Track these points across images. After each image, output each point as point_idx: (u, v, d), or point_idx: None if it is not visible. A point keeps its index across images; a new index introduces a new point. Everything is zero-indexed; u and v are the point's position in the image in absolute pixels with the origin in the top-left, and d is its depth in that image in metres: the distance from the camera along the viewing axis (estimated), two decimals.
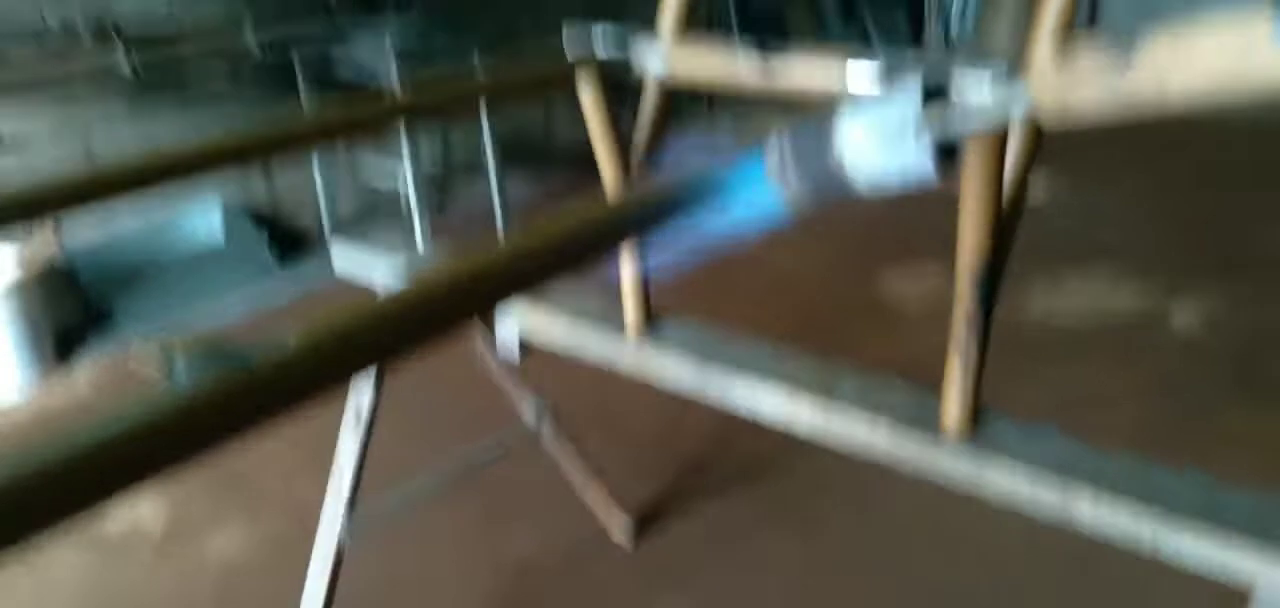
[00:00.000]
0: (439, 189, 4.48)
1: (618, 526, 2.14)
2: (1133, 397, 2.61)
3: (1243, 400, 2.55)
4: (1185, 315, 3.05)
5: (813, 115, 0.52)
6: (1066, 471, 0.90)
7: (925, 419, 0.98)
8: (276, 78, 3.71)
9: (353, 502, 1.53)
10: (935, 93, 0.45)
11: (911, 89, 0.45)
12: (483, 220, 4.10)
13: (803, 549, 2.15)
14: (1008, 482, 0.91)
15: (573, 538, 2.20)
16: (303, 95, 3.74)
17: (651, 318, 1.20)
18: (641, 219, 0.56)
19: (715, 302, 3.24)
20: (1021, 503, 0.91)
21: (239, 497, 2.43)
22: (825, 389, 1.04)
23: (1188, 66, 0.38)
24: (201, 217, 3.62)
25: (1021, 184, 0.89)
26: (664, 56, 0.98)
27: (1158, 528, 0.83)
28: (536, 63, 1.01)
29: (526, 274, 0.52)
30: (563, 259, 0.54)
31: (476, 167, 4.20)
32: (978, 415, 0.96)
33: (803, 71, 0.85)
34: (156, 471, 0.41)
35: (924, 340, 2.90)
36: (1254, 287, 3.20)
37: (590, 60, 1.01)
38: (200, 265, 3.54)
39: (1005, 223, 0.88)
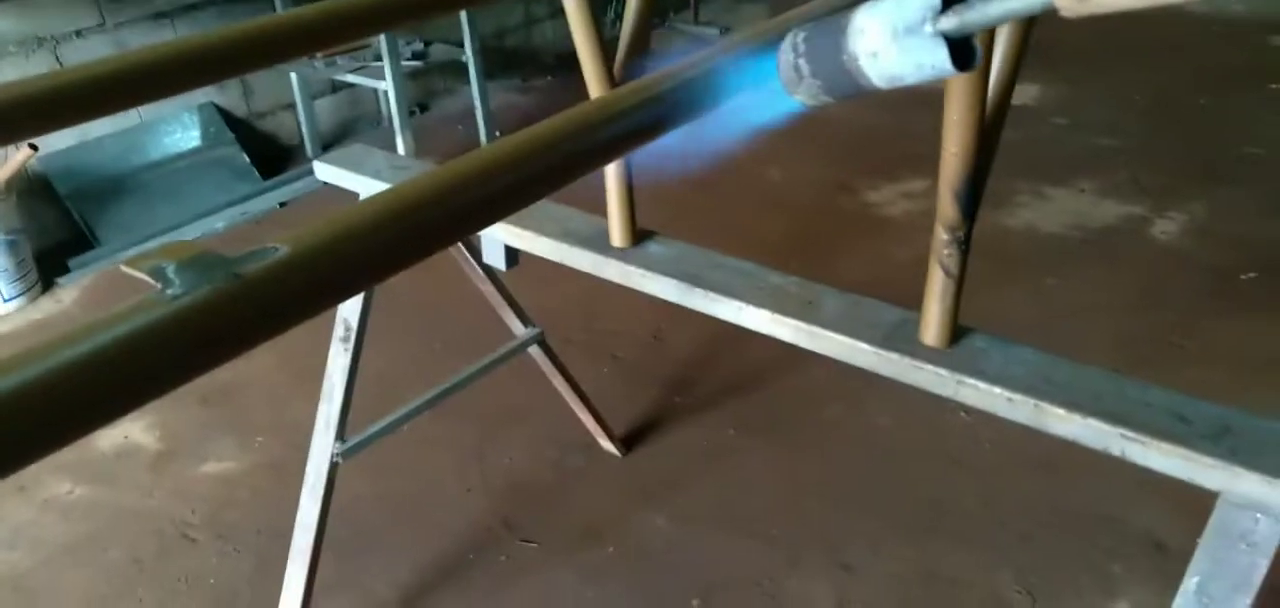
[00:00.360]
0: (420, 93, 4.42)
1: (606, 441, 2.18)
2: (1113, 308, 2.65)
3: (1219, 311, 2.60)
4: (1168, 224, 3.08)
5: (825, 12, 0.51)
6: (1041, 384, 0.92)
7: (906, 334, 1.00)
8: None
9: (344, 419, 1.55)
10: None
11: None
12: (464, 125, 4.06)
13: (781, 464, 2.20)
14: (985, 394, 0.93)
15: (561, 453, 2.24)
16: (277, 3, 3.65)
17: (638, 236, 1.21)
18: (639, 121, 0.55)
19: (706, 214, 3.25)
20: (998, 412, 0.94)
21: (231, 415, 2.46)
22: (808, 307, 1.06)
23: None
24: (179, 125, 3.56)
25: (1006, 90, 0.89)
26: None
27: (1127, 439, 0.86)
28: None
29: (515, 184, 0.51)
30: (552, 167, 0.53)
31: (458, 70, 4.13)
32: (957, 329, 0.98)
33: None
34: (154, 384, 0.40)
35: (911, 250, 2.92)
36: (1236, 194, 3.23)
37: None
38: (179, 175, 3.49)
39: (988, 131, 0.89)
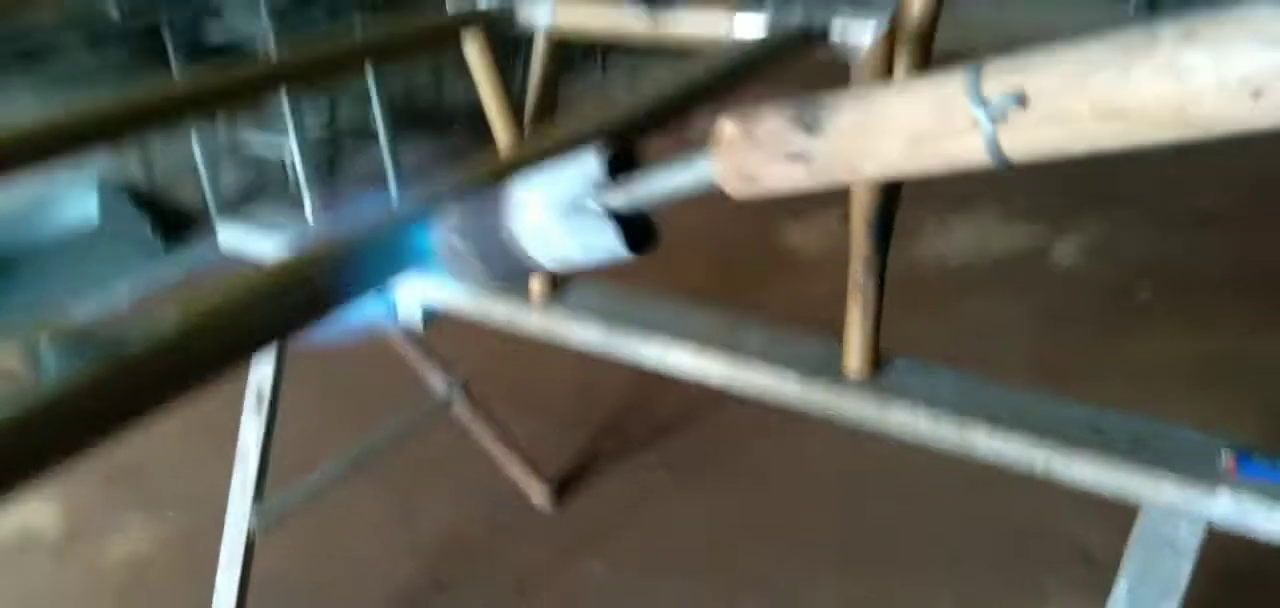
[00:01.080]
0: (328, 156, 4.33)
1: (536, 492, 2.13)
2: (1021, 328, 2.74)
3: (1119, 329, 2.71)
4: (1067, 247, 3.20)
5: (481, 189, 0.45)
6: (963, 406, 0.93)
7: (829, 365, 1.00)
8: (143, 47, 3.50)
9: (260, 488, 1.48)
10: (622, 162, 0.40)
11: (588, 156, 0.40)
12: (375, 187, 3.99)
13: (715, 501, 2.19)
14: (909, 420, 0.94)
15: (491, 508, 2.18)
16: (173, 65, 3.53)
17: (557, 282, 1.19)
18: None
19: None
20: (923, 439, 0.94)
21: (138, 491, 2.33)
22: (732, 344, 1.06)
23: (881, 142, 0.33)
24: (75, 197, 3.40)
25: None
26: (550, 9, 0.96)
27: (1050, 456, 0.88)
28: (421, 20, 0.98)
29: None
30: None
31: (366, 132, 4.07)
32: (879, 358, 0.99)
33: (691, 22, 0.84)
34: (28, 472, 0.37)
35: (829, 284, 2.97)
36: (1128, 212, 3.38)
37: (475, 16, 0.98)
38: (77, 250, 3.33)
39: None
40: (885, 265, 0.93)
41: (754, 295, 3.01)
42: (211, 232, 3.62)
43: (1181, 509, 0.84)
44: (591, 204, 0.40)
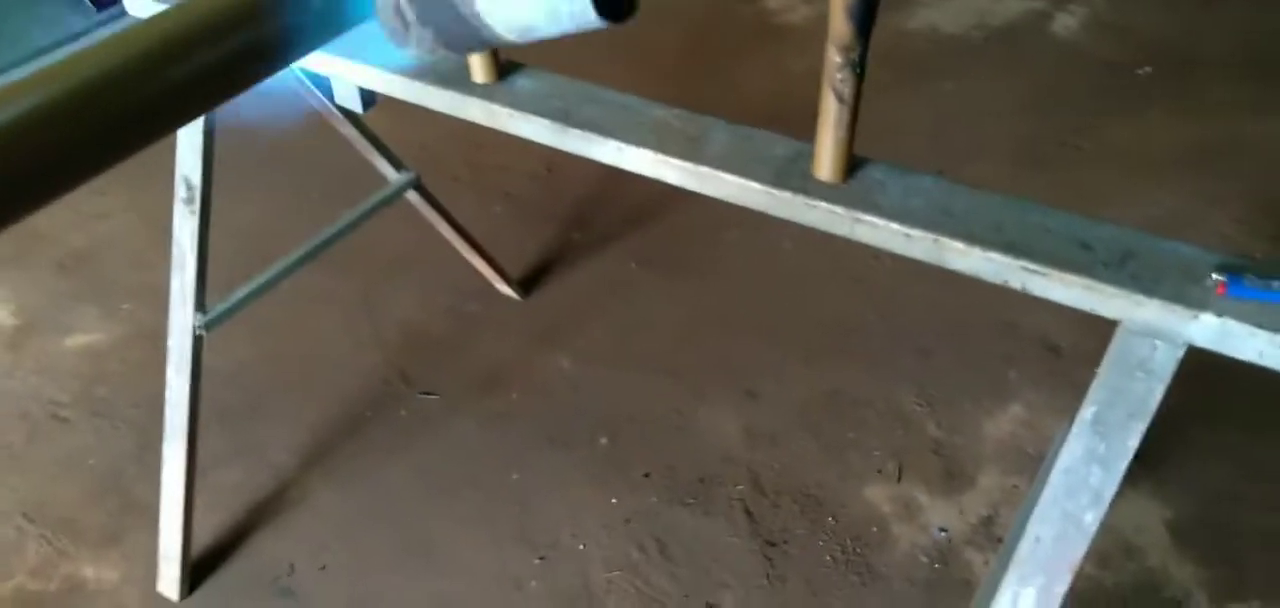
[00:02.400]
0: None
1: (502, 284, 2.08)
2: (1012, 111, 2.63)
3: (1115, 109, 2.60)
4: (1068, 18, 3.04)
5: None
6: (938, 217, 0.86)
7: (798, 169, 0.91)
8: None
9: (201, 287, 1.41)
10: None
11: None
12: None
13: (683, 295, 2.15)
14: (882, 231, 0.86)
15: (456, 300, 2.13)
16: None
17: (502, 69, 1.07)
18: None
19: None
20: (896, 250, 0.87)
21: (91, 282, 2.26)
22: (694, 144, 0.96)
23: None
24: None
25: None
26: None
27: (1028, 273, 0.81)
28: None
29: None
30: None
31: None
32: (852, 161, 0.90)
33: None
34: None
35: (813, 57, 2.82)
36: None
37: None
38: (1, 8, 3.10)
39: None
40: (865, 56, 0.83)
41: (732, 72, 2.85)
42: None
43: (1160, 331, 0.78)
44: None
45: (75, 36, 3.12)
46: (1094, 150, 2.43)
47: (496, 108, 1.05)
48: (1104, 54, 2.85)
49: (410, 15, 0.40)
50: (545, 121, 1.02)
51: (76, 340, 2.11)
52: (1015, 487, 1.72)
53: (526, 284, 2.15)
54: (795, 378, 1.93)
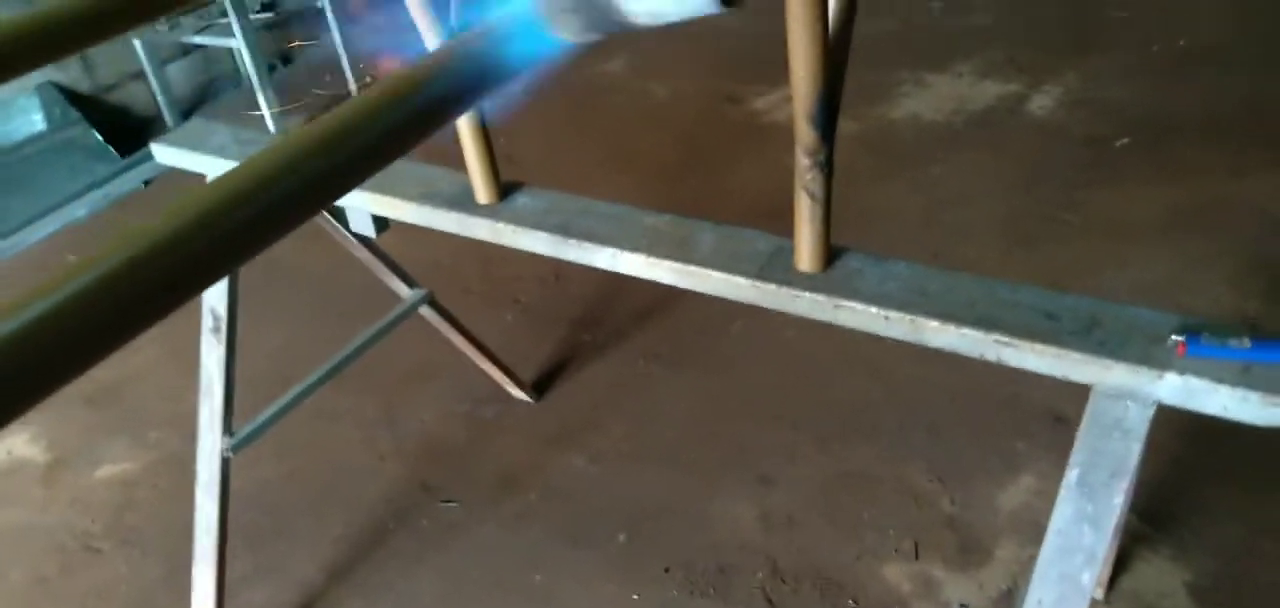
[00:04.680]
0: (279, 45, 4.15)
1: (516, 389, 2.14)
2: (998, 190, 2.70)
3: (1096, 181, 2.67)
4: (1044, 99, 3.14)
5: None
6: (913, 299, 0.91)
7: (781, 262, 0.98)
8: None
9: (228, 412, 1.48)
10: None
11: None
12: (331, 75, 3.84)
13: (693, 388, 2.20)
14: (862, 315, 0.92)
15: (473, 407, 2.19)
16: None
17: (503, 190, 1.15)
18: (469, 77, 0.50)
19: (594, 139, 3.19)
20: (877, 332, 0.93)
21: (121, 414, 2.34)
22: (684, 245, 1.03)
23: None
24: (16, 111, 3.29)
25: (849, 7, 0.86)
26: None
27: (1001, 345, 0.86)
28: None
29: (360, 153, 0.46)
30: (393, 130, 0.48)
31: (317, 15, 3.89)
32: (831, 251, 0.96)
33: None
34: None
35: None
36: (1105, 60, 3.30)
37: None
38: (26, 164, 3.23)
39: (835, 47, 0.86)
40: (831, 156, 0.90)
41: (724, 170, 2.95)
42: (166, 132, 3.53)
43: (1130, 392, 0.83)
44: None
45: (101, 182, 3.27)
46: (1081, 223, 2.49)
47: (500, 226, 1.13)
48: (1081, 129, 2.94)
49: (567, 7, 0.48)
50: (545, 234, 1.10)
51: (107, 471, 2.18)
52: (1032, 557, 1.73)
53: (540, 386, 2.20)
54: (808, 461, 1.96)
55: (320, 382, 1.65)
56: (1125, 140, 2.83)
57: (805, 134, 0.87)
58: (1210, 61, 3.20)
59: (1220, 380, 0.79)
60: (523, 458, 2.06)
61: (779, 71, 3.30)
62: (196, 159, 1.37)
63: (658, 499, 1.92)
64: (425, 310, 1.81)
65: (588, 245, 1.07)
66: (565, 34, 0.50)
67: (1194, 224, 2.42)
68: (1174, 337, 0.81)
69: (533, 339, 2.36)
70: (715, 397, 2.16)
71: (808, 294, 0.95)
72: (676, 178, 2.92)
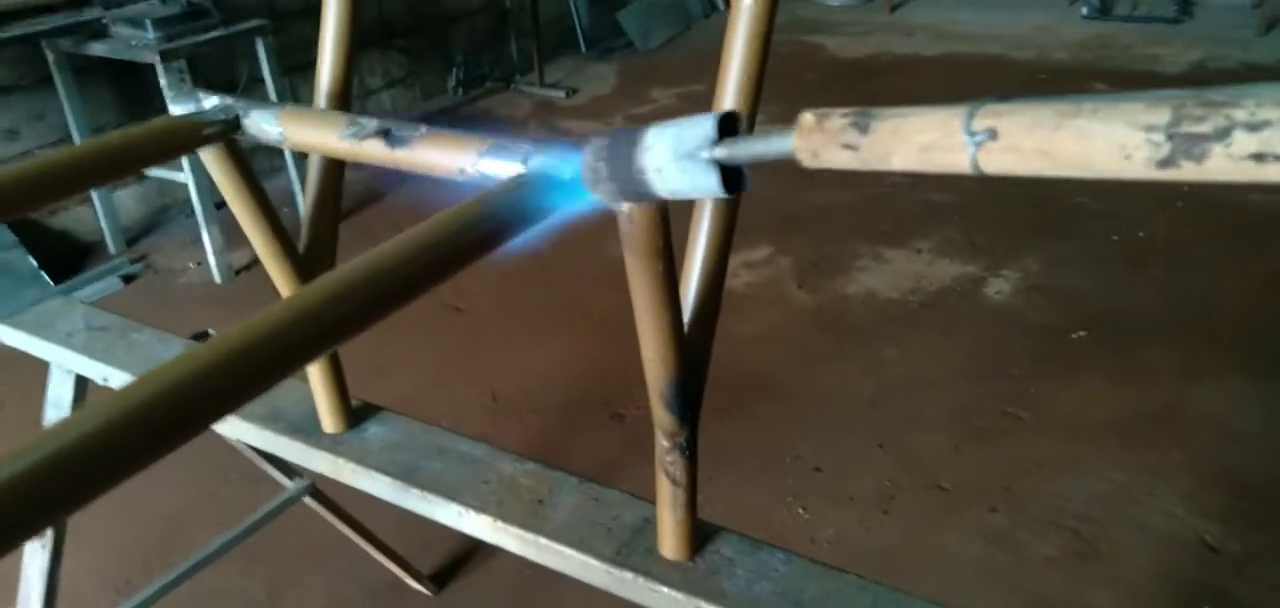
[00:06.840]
0: None
1: (412, 581, 1.96)
2: (950, 378, 2.58)
3: (1052, 374, 2.57)
4: (1002, 283, 3.07)
5: (623, 129, 0.56)
6: (785, 597, 0.78)
7: (644, 542, 0.84)
8: (22, 59, 3.27)
9: None
10: (727, 126, 0.51)
11: (707, 120, 0.51)
12: (287, 208, 3.72)
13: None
14: None
15: (368, 597, 1.99)
16: (56, 78, 3.28)
17: (354, 416, 1.02)
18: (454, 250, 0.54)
19: (547, 290, 3.07)
20: None
21: None
22: (539, 508, 0.89)
23: (903, 146, 0.44)
24: None
25: (710, 284, 0.76)
26: (278, 126, 0.80)
27: None
28: (151, 131, 0.81)
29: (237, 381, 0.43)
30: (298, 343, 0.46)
31: (275, 148, 3.83)
32: (700, 535, 0.83)
33: (425, 151, 0.69)
34: None
35: (760, 321, 2.81)
36: (1065, 247, 3.26)
37: (201, 122, 0.81)
38: None
39: (694, 326, 0.75)
40: (695, 438, 0.77)
41: None
42: (109, 259, 3.40)
43: None
44: (703, 154, 0.51)
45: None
46: (1034, 421, 2.38)
47: (341, 462, 0.99)
48: (1037, 319, 2.86)
49: (604, 173, 0.56)
50: (387, 479, 0.96)
51: None
52: None
53: (439, 579, 2.02)
54: None
55: (193, 570, 1.49)
56: (1082, 333, 2.75)
57: (662, 417, 0.75)
58: (1169, 256, 3.17)
59: None
60: None
61: (759, 234, 3.18)
62: (40, 345, 1.23)
63: None
64: (308, 501, 1.65)
65: (431, 497, 0.93)
66: (601, 197, 0.58)
67: (1149, 430, 2.32)
68: None
69: (432, 525, 2.18)
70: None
71: (666, 589, 0.81)
72: (628, 338, 2.80)
